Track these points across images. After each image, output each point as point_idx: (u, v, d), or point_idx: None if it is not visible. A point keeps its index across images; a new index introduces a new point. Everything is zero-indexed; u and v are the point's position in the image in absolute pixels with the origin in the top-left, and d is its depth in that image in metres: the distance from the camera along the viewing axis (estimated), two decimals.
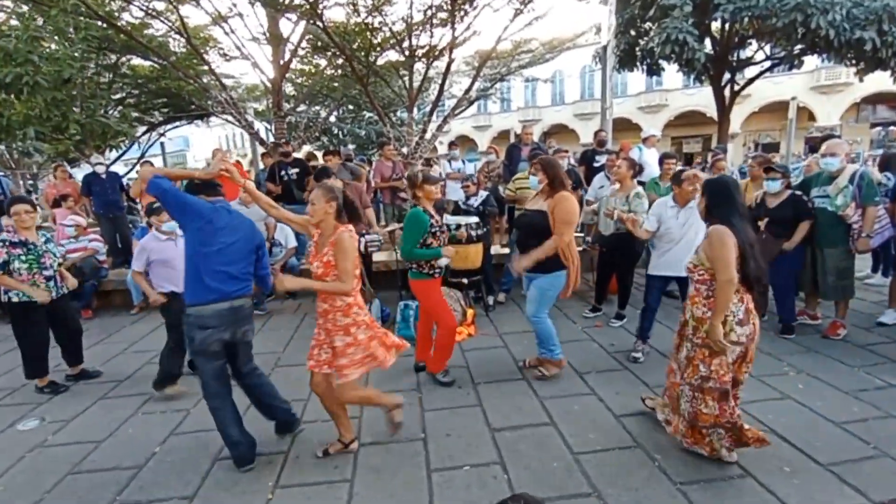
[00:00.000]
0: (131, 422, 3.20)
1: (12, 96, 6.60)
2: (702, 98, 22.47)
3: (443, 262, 3.34)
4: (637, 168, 4.32)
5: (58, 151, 9.17)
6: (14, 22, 8.02)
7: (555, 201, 3.17)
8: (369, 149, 19.06)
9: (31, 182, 15.92)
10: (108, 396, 3.60)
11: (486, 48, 9.44)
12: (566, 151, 5.88)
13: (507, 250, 5.78)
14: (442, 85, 8.13)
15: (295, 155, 6.99)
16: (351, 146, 19.72)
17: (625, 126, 24.09)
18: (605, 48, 8.47)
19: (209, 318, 2.38)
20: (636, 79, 23.31)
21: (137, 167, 14.42)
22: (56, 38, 7.87)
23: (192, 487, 2.47)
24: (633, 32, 12.45)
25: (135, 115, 11.46)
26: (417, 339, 3.68)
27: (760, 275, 2.26)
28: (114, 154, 13.49)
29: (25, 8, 7.66)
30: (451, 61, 7.71)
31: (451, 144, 7.33)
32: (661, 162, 4.99)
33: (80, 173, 8.93)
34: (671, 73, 16.78)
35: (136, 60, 11.44)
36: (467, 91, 8.98)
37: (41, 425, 3.19)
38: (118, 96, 11.94)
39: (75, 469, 2.69)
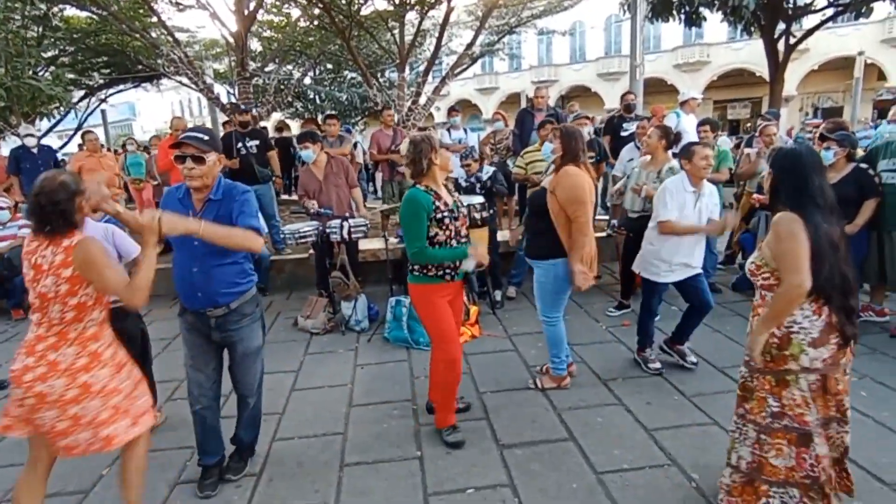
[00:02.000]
0: None
1: None
2: (750, 54, 22.41)
3: (468, 265, 2.81)
4: (671, 137, 4.31)
5: None
6: None
7: (556, 179, 3.17)
8: (352, 115, 19.01)
9: None
10: None
11: None
12: (588, 118, 5.87)
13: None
14: (439, 39, 8.10)
15: (262, 124, 6.98)
16: (330, 112, 19.67)
17: (658, 87, 24.03)
18: None
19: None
20: (672, 31, 23.17)
21: (77, 139, 14.48)
22: None
23: None
24: None
25: (70, 76, 11.45)
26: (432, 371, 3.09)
27: (842, 287, 1.99)
28: (46, 124, 13.46)
29: None
30: (450, 10, 7.67)
31: (451, 111, 7.30)
32: (701, 125, 5.01)
33: (4, 147, 8.92)
34: (714, 24, 16.67)
35: (71, 11, 11.35)
36: (469, 46, 8.93)
37: None
38: (50, 54, 11.90)
39: (6, 497, 2.72)
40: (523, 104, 24.30)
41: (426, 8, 8.14)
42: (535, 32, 14.17)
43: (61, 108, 11.65)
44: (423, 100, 8.43)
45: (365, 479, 2.69)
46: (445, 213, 2.78)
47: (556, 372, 3.51)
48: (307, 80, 15.64)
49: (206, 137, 2.31)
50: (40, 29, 10.75)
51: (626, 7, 12.51)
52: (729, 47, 24.99)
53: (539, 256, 3.33)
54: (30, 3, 9.50)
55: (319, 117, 19.66)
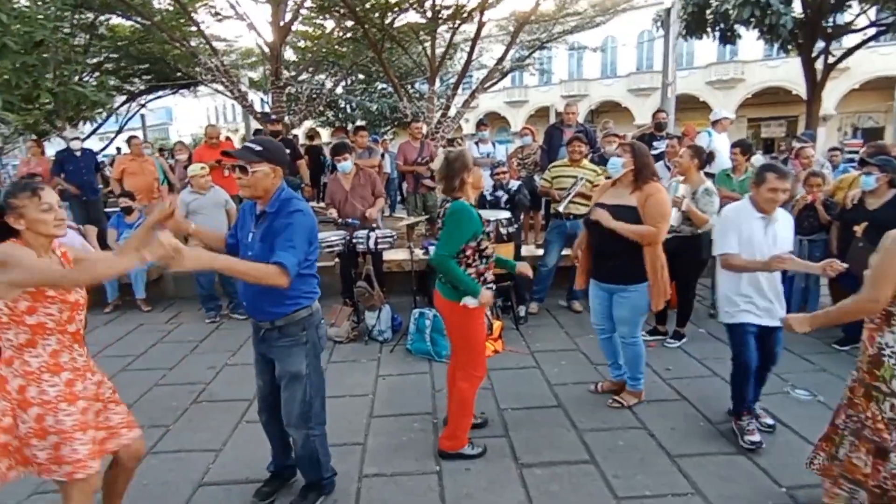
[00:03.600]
0: None
1: None
2: (787, 72, 21.98)
3: (471, 302, 2.73)
4: (704, 156, 4.26)
5: (26, 124, 9.53)
6: None
7: (645, 193, 3.16)
8: (381, 125, 19.25)
9: None
10: None
11: (523, 9, 9.42)
12: (617, 136, 5.83)
13: (541, 251, 5.77)
14: (470, 53, 8.19)
15: (296, 132, 7.13)
16: (360, 122, 19.96)
17: (690, 104, 23.77)
18: (668, 10, 8.37)
19: (318, 313, 2.51)
20: (706, 47, 22.89)
21: (117, 143, 14.98)
22: None
23: None
24: None
25: (113, 82, 11.83)
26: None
27: None
28: (88, 127, 13.95)
29: None
30: (481, 25, 7.72)
31: (480, 124, 7.34)
32: (736, 148, 4.92)
33: (49, 148, 9.28)
34: (749, 42, 16.39)
35: (116, 20, 11.82)
36: (500, 60, 8.98)
37: None
38: (94, 61, 12.36)
39: (39, 490, 2.80)
40: (552, 118, 24.33)
41: (458, 22, 8.23)
42: (566, 48, 14.21)
43: (103, 113, 12.07)
44: (452, 112, 8.50)
45: (383, 492, 2.70)
46: (488, 230, 2.84)
47: (640, 388, 3.50)
48: (339, 90, 15.91)
49: (259, 148, 2.25)
50: (87, 37, 11.19)
51: (659, 24, 12.46)
52: (765, 65, 24.56)
53: (633, 279, 3.23)
54: (79, 13, 9.92)
55: (349, 126, 20.06)
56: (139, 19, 9.95)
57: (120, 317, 5.70)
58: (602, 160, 5.52)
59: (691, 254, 4.32)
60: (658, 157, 6.02)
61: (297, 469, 2.67)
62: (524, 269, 3.24)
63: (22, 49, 6.80)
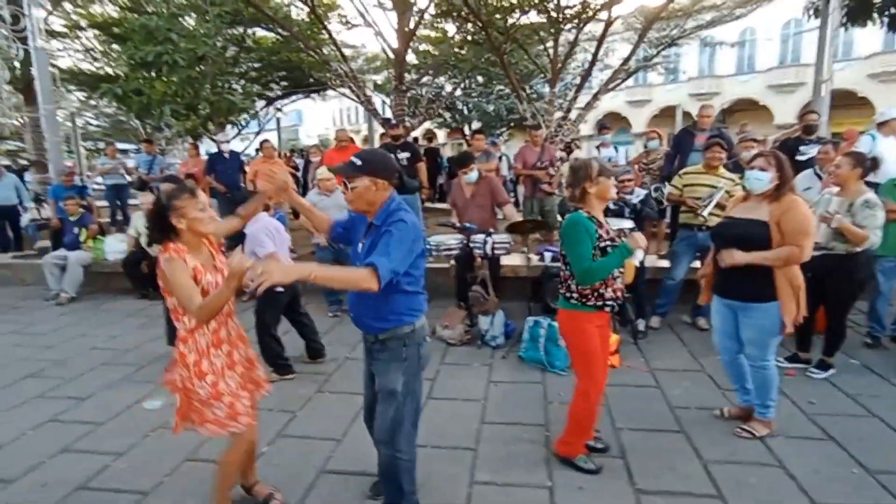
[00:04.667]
0: None
1: (153, 73, 8.03)
2: None
3: (638, 257, 2.74)
4: (867, 165, 3.76)
5: (186, 129, 10.83)
6: None
7: (783, 207, 2.94)
8: (497, 127, 19.34)
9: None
10: None
11: (652, 5, 8.92)
12: (757, 141, 5.33)
13: (665, 263, 5.45)
14: (595, 52, 7.92)
15: (415, 135, 7.38)
16: (476, 124, 20.20)
17: (847, 101, 21.01)
18: None
19: (422, 330, 2.43)
20: (869, 35, 20.11)
21: (258, 143, 16.54)
22: (192, 14, 9.31)
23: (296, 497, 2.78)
24: None
25: (255, 89, 13.08)
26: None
27: None
28: (233, 131, 15.56)
29: None
30: (609, 23, 7.44)
31: (602, 128, 7.10)
32: None
33: (201, 148, 10.48)
34: None
35: (261, 32, 13.04)
36: (626, 61, 8.60)
37: (165, 405, 3.81)
38: (238, 70, 13.76)
39: (191, 456, 3.17)
40: (678, 119, 22.80)
41: (584, 21, 8.01)
42: (697, 43, 13.25)
43: (247, 117, 13.38)
44: (573, 114, 8.30)
45: (494, 500, 2.71)
46: (607, 242, 2.71)
47: (769, 416, 3.24)
48: (457, 93, 16.23)
49: (359, 163, 2.21)
50: (237, 49, 12.46)
51: (810, 12, 11.19)
52: None
53: (762, 298, 3.02)
54: (231, 27, 11.07)
55: (466, 128, 20.33)
56: (280, 30, 10.87)
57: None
58: (736, 167, 5.09)
59: (845, 275, 3.85)
60: (806, 164, 5.44)
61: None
62: (639, 239, 2.72)
63: (188, 64, 7.79)
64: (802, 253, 2.89)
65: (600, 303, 2.76)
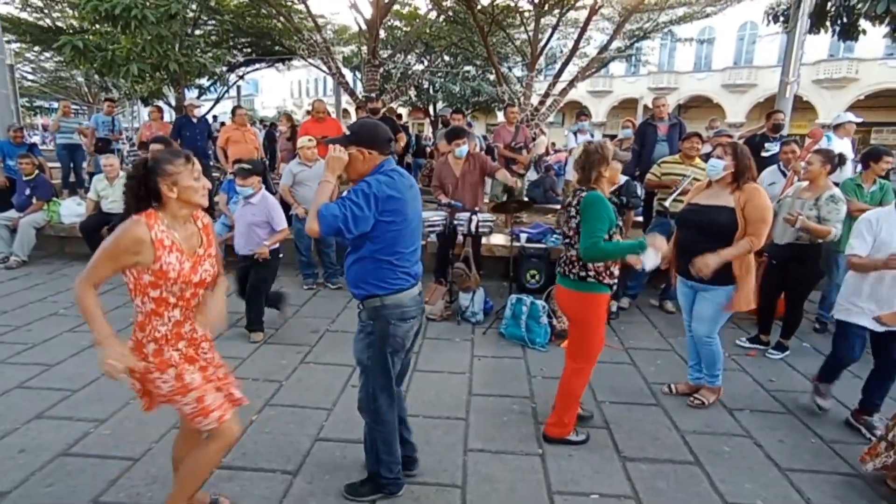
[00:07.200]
0: None
1: (119, 28, 7.54)
2: None
3: (650, 261, 2.75)
4: (835, 161, 4.04)
5: (144, 91, 10.28)
6: None
7: (746, 195, 3.13)
8: (462, 108, 19.30)
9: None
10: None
11: None
12: (731, 136, 5.60)
13: None
14: (578, 38, 8.03)
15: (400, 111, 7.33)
16: (441, 104, 20.08)
17: (793, 104, 22.16)
18: (798, 2, 7.81)
19: (410, 307, 2.32)
20: (815, 43, 21.16)
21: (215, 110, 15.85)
22: None
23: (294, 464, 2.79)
24: None
25: (218, 53, 12.49)
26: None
27: None
28: (193, 94, 14.85)
29: None
30: (593, 10, 7.55)
31: (581, 115, 7.25)
32: (871, 158, 4.58)
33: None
34: (872, 38, 15.11)
35: None
36: (604, 49, 8.79)
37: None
38: (199, 32, 13.09)
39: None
40: (639, 111, 23.44)
41: (566, 7, 8.10)
42: (659, 38, 13.63)
43: (216, 82, 12.81)
44: (549, 100, 8.41)
45: (489, 467, 2.81)
46: (615, 230, 2.77)
47: (717, 384, 3.51)
48: (426, 72, 16.07)
49: (347, 132, 2.31)
50: (198, 9, 11.82)
51: (769, 18, 11.67)
52: (884, 64, 22.56)
53: (723, 282, 3.19)
54: None
55: (431, 109, 20.11)
56: None
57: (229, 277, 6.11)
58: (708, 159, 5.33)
59: (808, 264, 4.14)
60: (770, 160, 5.75)
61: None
62: (659, 241, 2.76)
63: (158, 21, 7.35)
64: (759, 241, 3.12)
65: (613, 281, 2.83)
